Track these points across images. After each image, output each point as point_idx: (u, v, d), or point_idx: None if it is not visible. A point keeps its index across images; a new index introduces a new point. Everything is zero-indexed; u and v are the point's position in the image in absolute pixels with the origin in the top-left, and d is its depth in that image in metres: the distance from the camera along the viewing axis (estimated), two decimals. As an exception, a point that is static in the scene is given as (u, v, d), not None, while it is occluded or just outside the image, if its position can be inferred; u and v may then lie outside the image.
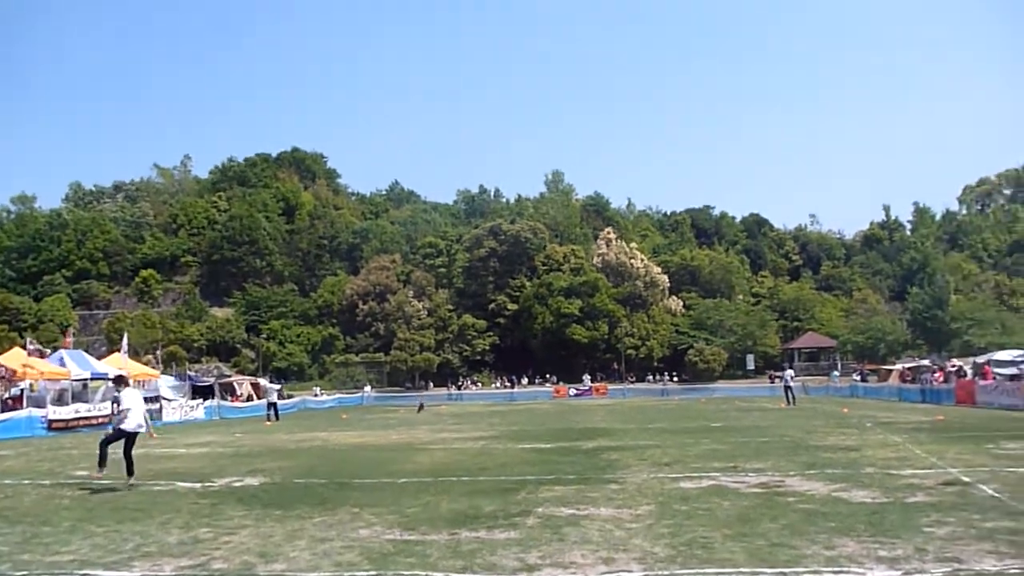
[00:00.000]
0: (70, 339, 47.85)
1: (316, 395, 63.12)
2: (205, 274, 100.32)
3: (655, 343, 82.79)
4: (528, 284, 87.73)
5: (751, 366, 79.64)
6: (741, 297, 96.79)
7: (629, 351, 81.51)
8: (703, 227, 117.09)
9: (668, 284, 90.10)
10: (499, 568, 7.42)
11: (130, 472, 13.89)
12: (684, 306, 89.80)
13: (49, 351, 41.47)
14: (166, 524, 10.14)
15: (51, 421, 31.34)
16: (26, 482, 15.11)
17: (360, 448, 21.35)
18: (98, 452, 14.16)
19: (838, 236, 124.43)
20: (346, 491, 12.76)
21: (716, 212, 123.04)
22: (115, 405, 16.52)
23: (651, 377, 79.68)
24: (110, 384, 38.44)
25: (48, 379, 34.93)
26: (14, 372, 33.12)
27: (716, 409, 39.07)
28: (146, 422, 14.29)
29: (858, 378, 58.75)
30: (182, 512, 11.07)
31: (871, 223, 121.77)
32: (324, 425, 33.68)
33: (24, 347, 39.22)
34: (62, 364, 36.67)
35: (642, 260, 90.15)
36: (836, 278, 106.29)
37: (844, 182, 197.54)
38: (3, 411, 30.56)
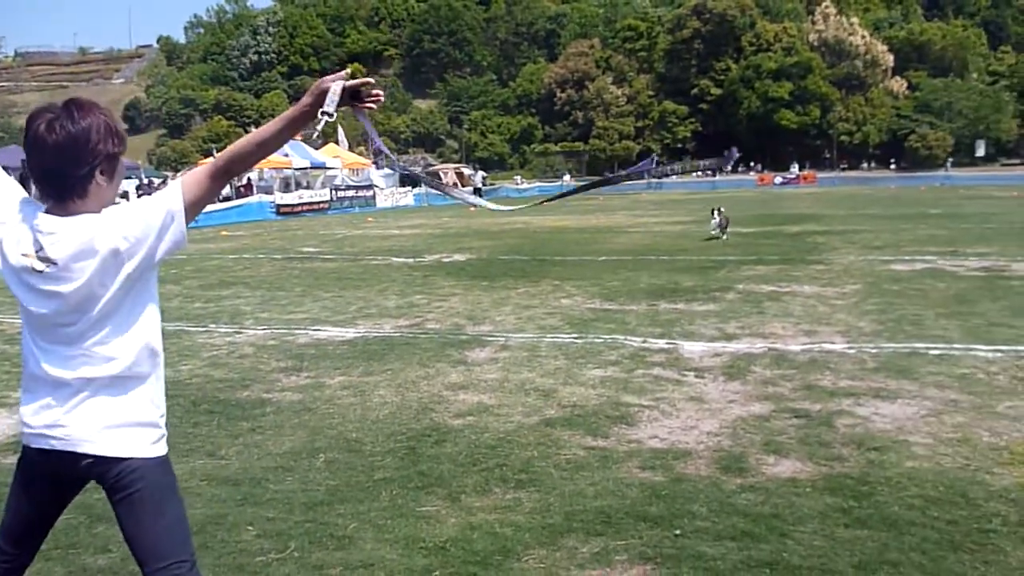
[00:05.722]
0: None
1: (517, 184, 64.29)
2: (408, 66, 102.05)
3: (872, 128, 76.79)
4: (734, 67, 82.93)
5: (980, 152, 72.64)
6: (976, 76, 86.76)
7: (843, 137, 76.21)
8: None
9: (892, 64, 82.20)
10: (697, 336, 7.53)
11: None
12: (909, 87, 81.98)
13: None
14: (384, 291, 10.99)
15: (279, 206, 34.07)
16: (261, 256, 16.71)
17: (560, 231, 21.87)
18: None
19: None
20: (548, 267, 13.21)
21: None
22: None
23: (865, 165, 74.76)
24: (328, 173, 41.15)
25: (273, 168, 37.65)
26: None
27: (937, 197, 36.39)
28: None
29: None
30: (397, 282, 11.94)
31: None
32: (525, 210, 34.51)
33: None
34: (284, 155, 39.27)
35: (863, 36, 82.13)
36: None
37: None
38: (237, 197, 33.47)
